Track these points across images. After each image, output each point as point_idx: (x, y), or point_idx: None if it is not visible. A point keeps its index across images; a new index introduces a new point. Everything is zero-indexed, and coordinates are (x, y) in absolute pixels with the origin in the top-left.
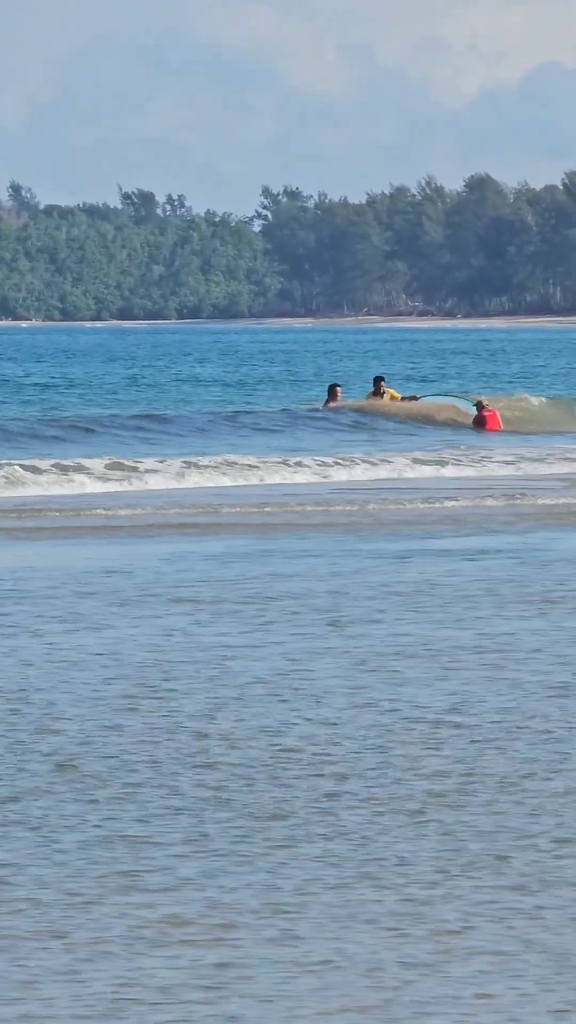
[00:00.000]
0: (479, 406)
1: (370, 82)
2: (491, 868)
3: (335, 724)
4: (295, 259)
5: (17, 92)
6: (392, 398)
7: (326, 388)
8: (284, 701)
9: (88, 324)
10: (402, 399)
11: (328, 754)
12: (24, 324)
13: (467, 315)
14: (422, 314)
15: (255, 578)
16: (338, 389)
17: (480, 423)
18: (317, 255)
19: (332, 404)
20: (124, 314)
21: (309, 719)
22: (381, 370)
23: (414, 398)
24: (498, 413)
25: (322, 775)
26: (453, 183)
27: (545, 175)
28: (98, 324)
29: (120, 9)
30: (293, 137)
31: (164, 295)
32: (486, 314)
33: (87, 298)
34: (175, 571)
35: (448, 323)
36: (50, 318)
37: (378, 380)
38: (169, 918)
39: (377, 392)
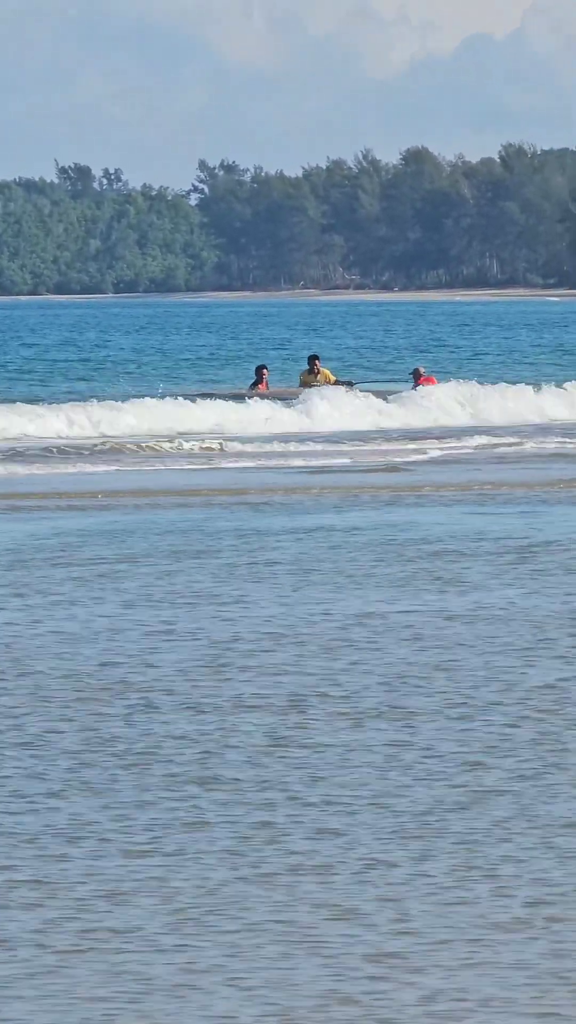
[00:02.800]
0: (416, 374)
1: (300, 53)
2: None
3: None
4: (232, 233)
5: None
6: (326, 379)
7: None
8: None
9: (67, 299)
10: (336, 382)
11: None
12: None
13: (404, 288)
14: (359, 287)
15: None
16: (265, 371)
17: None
18: (254, 229)
19: (261, 388)
20: (61, 288)
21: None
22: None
23: (350, 384)
24: (436, 380)
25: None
26: (385, 154)
27: (476, 146)
28: (70, 298)
29: None
30: (225, 109)
31: (101, 269)
32: (423, 287)
33: (24, 272)
34: None
35: (404, 296)
36: None
37: (313, 359)
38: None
39: (312, 371)
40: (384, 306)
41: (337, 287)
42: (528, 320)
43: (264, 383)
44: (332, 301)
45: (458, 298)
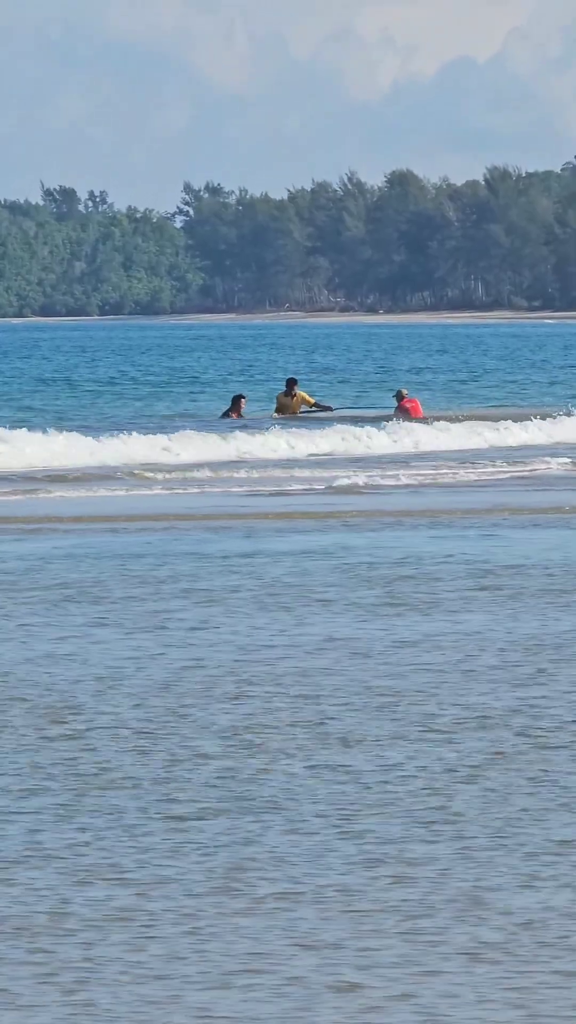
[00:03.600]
0: (399, 396)
1: (283, 75)
2: None
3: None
4: (217, 255)
5: None
6: (304, 402)
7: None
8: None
9: (77, 320)
10: (314, 405)
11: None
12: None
13: (389, 310)
14: (344, 309)
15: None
16: (243, 400)
17: (403, 414)
18: (239, 251)
19: (234, 415)
20: (46, 311)
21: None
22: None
23: (329, 408)
24: (419, 402)
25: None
26: (367, 176)
27: (458, 169)
28: (58, 321)
29: (22, 1)
30: (208, 131)
31: (86, 291)
32: (408, 309)
33: (9, 295)
34: None
35: (396, 319)
36: None
37: (291, 382)
38: None
39: (289, 394)
40: (399, 328)
41: (323, 310)
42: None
43: (238, 411)
44: (321, 323)
45: (449, 320)
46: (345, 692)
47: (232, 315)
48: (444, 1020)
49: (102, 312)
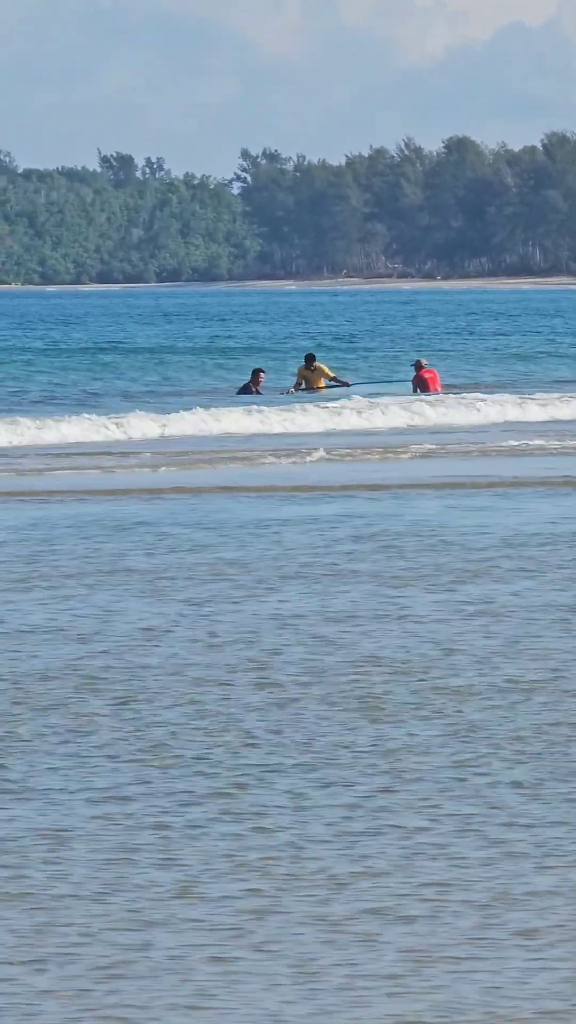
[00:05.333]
0: (417, 366)
1: (334, 42)
2: None
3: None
4: (274, 221)
5: None
6: (323, 374)
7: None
8: None
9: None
10: (333, 379)
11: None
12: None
13: (446, 277)
14: (401, 276)
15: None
16: (261, 374)
17: (421, 384)
18: (296, 217)
19: (254, 389)
20: (103, 277)
21: None
22: None
23: (346, 383)
24: (438, 374)
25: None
26: (422, 143)
27: (512, 135)
28: (125, 288)
29: None
30: (260, 99)
31: (143, 258)
32: (465, 275)
33: (66, 262)
34: None
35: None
36: (29, 282)
37: (311, 357)
38: None
39: (309, 367)
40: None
41: (380, 276)
42: None
43: (257, 385)
44: (382, 290)
45: (527, 287)
46: None
47: (290, 282)
48: None
49: (159, 279)
